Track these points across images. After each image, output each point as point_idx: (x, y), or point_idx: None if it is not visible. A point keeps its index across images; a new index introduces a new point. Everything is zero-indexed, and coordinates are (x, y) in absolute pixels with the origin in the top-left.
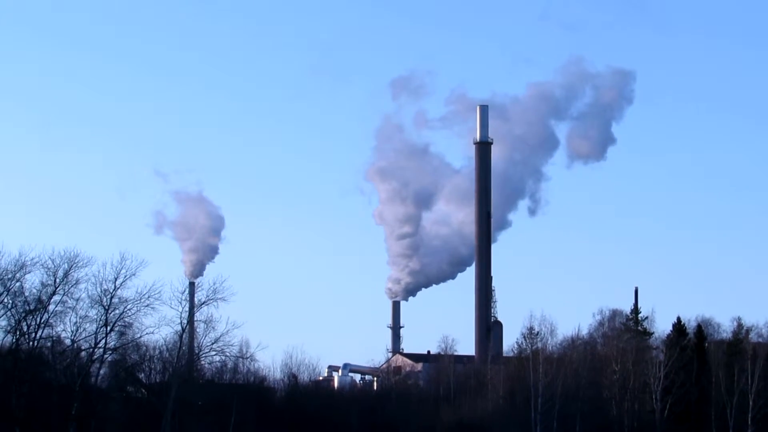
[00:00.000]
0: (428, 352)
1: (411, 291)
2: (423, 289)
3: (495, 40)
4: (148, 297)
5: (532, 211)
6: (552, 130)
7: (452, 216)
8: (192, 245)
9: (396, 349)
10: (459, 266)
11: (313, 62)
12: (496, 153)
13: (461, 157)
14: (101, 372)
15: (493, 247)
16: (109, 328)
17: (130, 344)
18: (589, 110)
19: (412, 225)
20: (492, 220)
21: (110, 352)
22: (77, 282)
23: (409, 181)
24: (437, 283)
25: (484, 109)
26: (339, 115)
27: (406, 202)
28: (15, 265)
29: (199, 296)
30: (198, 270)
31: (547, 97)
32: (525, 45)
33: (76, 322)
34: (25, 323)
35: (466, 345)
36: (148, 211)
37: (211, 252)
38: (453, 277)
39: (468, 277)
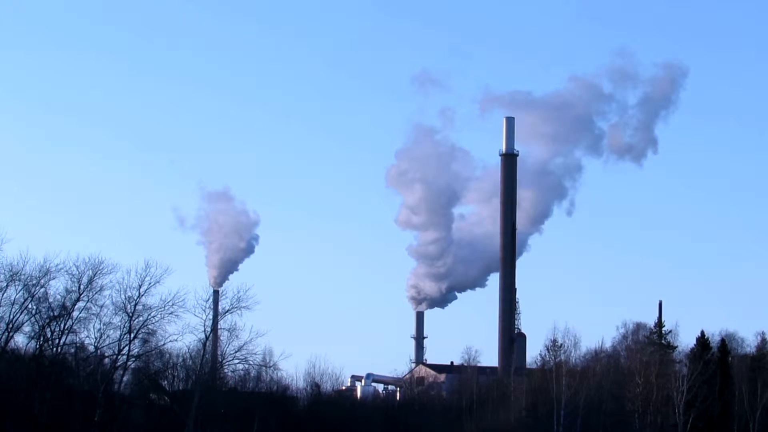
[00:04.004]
0: (451, 363)
1: (439, 297)
2: (456, 292)
3: (529, 37)
4: (172, 304)
5: (569, 212)
6: (588, 132)
7: (483, 214)
8: (218, 248)
9: (419, 359)
10: (489, 270)
11: (338, 64)
12: (530, 151)
13: (492, 154)
14: (124, 379)
15: (520, 256)
16: (132, 335)
17: (154, 351)
18: (629, 112)
19: (439, 229)
20: (526, 215)
21: (134, 359)
22: (101, 289)
23: (436, 184)
24: (467, 289)
25: (510, 121)
26: (363, 121)
27: (432, 206)
28: (40, 272)
29: (223, 304)
30: (222, 277)
31: (583, 96)
32: (564, 41)
33: (99, 329)
34: (49, 329)
35: (489, 356)
36: (174, 216)
37: (237, 258)
38: (482, 285)
39: (492, 288)
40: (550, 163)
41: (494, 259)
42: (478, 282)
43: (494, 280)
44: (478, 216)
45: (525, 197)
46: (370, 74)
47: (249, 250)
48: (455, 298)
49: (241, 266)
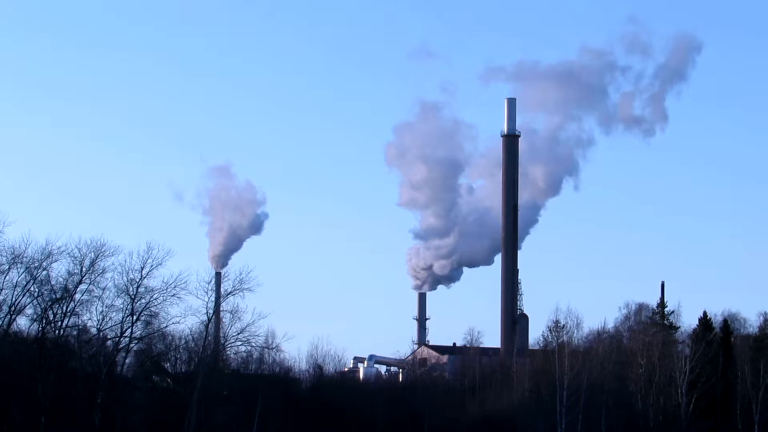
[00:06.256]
0: (454, 344)
1: (444, 276)
2: (464, 268)
3: (535, 11)
4: (175, 287)
5: (576, 187)
6: (596, 103)
7: (489, 189)
8: (221, 226)
9: (422, 340)
10: (495, 246)
11: (337, 41)
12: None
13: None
14: (127, 361)
15: (527, 235)
16: (135, 318)
17: (156, 334)
18: (641, 83)
19: (444, 206)
20: (535, 188)
21: (136, 341)
22: (104, 271)
23: (439, 160)
24: (473, 265)
25: (512, 102)
26: (363, 98)
27: (436, 182)
28: (42, 254)
29: (225, 286)
30: (225, 256)
31: (592, 66)
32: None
33: (102, 311)
34: (51, 312)
35: (491, 337)
36: (172, 192)
37: (242, 236)
38: (489, 263)
39: (495, 268)
40: (555, 135)
41: (500, 236)
42: (485, 259)
43: (500, 259)
44: (484, 191)
45: (531, 171)
46: (372, 50)
47: (254, 228)
48: (460, 276)
49: (245, 244)
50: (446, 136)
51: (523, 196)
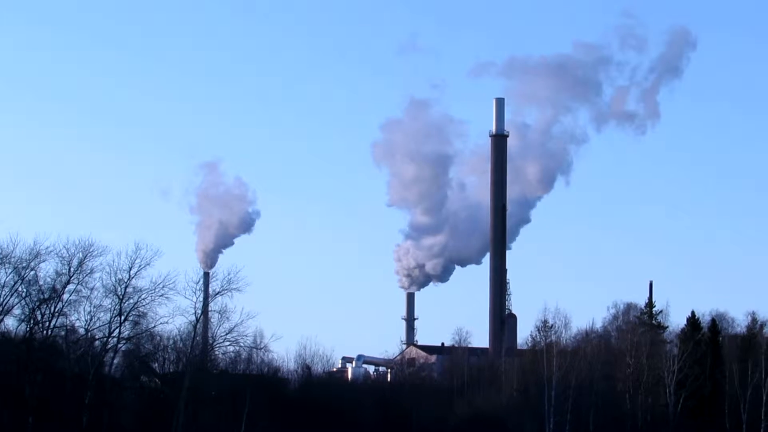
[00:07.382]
0: (442, 344)
1: (434, 275)
2: (456, 265)
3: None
4: (163, 287)
5: (567, 182)
6: (586, 99)
7: (479, 186)
8: (210, 224)
9: (410, 340)
10: (486, 244)
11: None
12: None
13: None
14: (115, 361)
15: (515, 236)
16: (123, 318)
17: (144, 334)
18: (633, 79)
19: (433, 204)
20: (528, 184)
21: (124, 341)
22: (92, 271)
23: (427, 157)
24: (464, 264)
25: (500, 102)
26: (350, 97)
27: (425, 180)
28: (30, 254)
29: (214, 286)
30: (214, 254)
31: (584, 61)
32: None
33: (90, 312)
34: (39, 312)
35: (480, 337)
36: (159, 189)
37: (232, 234)
38: (478, 262)
39: (484, 268)
40: (547, 130)
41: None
42: (476, 257)
43: (488, 259)
44: (475, 188)
45: (522, 166)
46: (359, 46)
47: (244, 227)
48: (450, 274)
49: (234, 242)
50: (436, 133)
51: (515, 193)
